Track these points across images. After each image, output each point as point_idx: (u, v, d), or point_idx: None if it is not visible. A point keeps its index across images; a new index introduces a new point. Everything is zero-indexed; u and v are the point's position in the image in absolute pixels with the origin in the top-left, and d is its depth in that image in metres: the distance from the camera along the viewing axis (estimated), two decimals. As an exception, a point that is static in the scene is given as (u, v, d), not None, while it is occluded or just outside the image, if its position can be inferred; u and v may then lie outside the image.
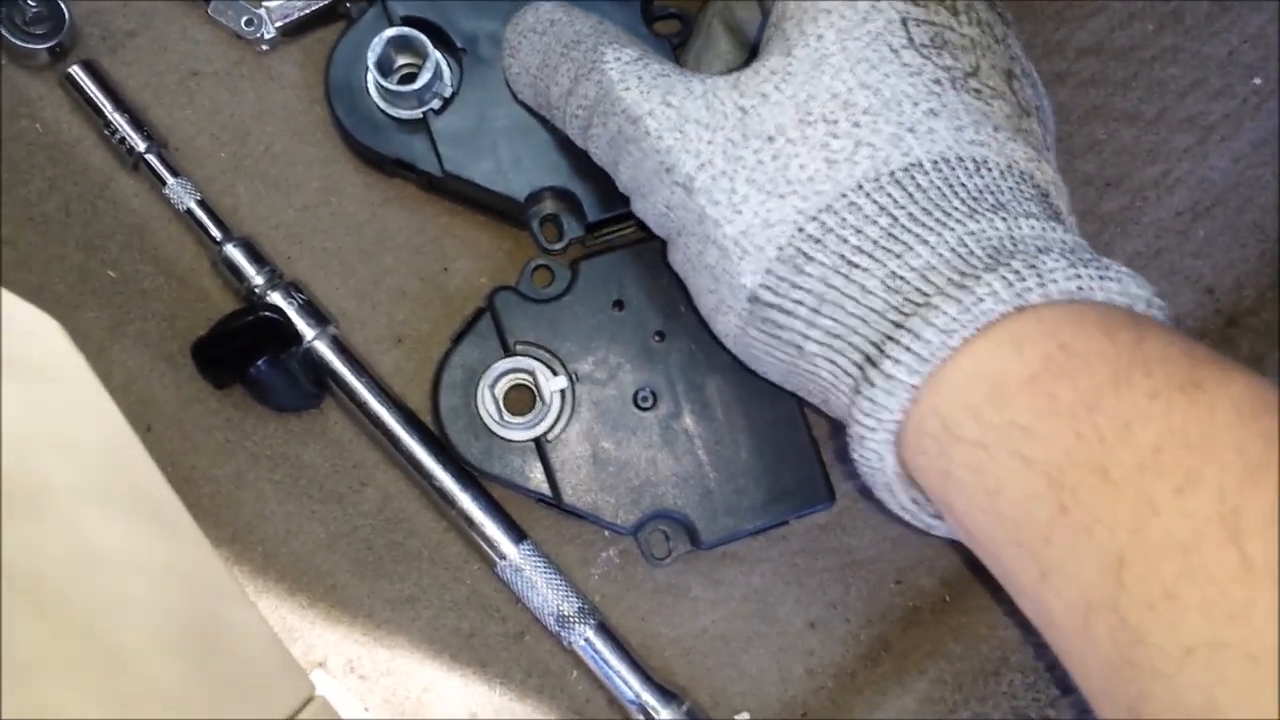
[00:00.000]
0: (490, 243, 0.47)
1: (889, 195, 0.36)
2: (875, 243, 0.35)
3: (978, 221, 0.35)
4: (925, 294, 0.34)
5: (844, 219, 0.36)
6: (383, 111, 0.44)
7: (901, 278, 0.35)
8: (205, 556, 0.28)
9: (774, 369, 0.39)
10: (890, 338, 0.35)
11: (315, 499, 0.44)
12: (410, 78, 0.44)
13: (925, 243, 0.35)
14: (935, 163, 0.36)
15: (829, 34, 0.38)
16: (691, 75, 0.40)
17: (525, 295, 0.44)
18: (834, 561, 0.46)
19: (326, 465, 0.45)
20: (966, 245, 0.35)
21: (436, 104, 0.44)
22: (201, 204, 0.44)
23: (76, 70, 0.44)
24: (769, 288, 0.37)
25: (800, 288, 0.36)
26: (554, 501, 0.43)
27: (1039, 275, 0.33)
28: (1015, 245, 0.35)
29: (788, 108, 0.37)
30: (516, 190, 0.44)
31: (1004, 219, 0.35)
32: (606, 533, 0.45)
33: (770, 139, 0.37)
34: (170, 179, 0.44)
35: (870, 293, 0.35)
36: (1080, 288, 0.34)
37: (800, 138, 0.37)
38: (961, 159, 0.36)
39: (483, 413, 0.43)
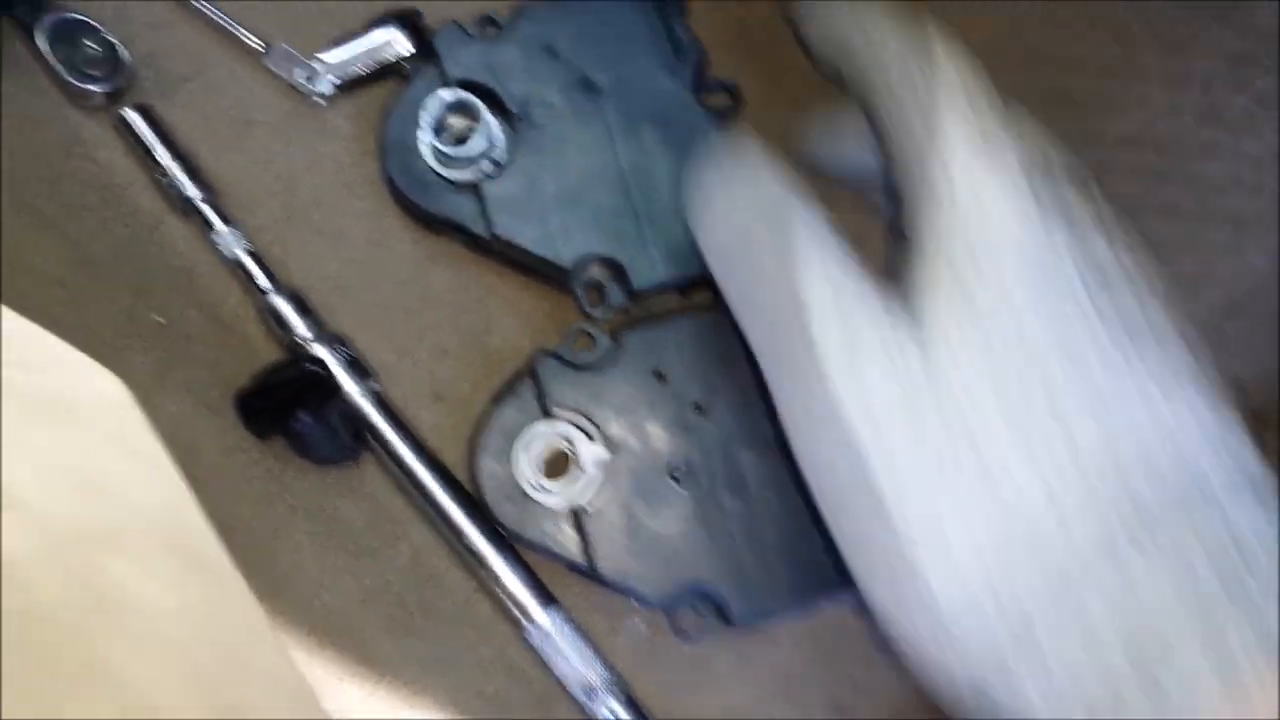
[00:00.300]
0: (533, 304, 0.47)
1: (1116, 515, 0.34)
2: (1087, 553, 0.33)
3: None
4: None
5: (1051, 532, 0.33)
6: (435, 173, 0.45)
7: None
8: (250, 606, 0.29)
9: None
10: None
11: (350, 553, 0.44)
12: (463, 140, 0.45)
13: (1143, 553, 0.33)
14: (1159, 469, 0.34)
15: (1016, 289, 0.35)
16: (881, 302, 0.36)
17: (566, 360, 0.44)
18: (862, 644, 0.46)
19: (362, 520, 0.45)
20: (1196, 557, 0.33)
21: (488, 167, 0.44)
22: (250, 253, 0.45)
23: (130, 113, 0.45)
24: (957, 606, 0.34)
25: (1000, 608, 0.34)
26: (588, 571, 0.43)
27: None
28: None
29: (984, 386, 0.35)
30: (563, 257, 0.44)
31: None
32: (634, 602, 0.45)
33: (970, 437, 0.34)
34: (220, 226, 0.45)
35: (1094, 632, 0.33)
36: None
37: (1005, 436, 0.34)
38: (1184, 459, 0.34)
39: (519, 476, 0.43)
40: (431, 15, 0.47)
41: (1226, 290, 0.50)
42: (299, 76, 0.46)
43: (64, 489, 0.26)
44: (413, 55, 0.45)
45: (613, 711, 0.43)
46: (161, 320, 0.45)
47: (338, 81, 0.46)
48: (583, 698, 0.43)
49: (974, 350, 0.35)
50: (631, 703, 0.44)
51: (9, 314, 0.30)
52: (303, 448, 0.44)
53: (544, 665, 0.44)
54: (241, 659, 0.27)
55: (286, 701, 0.28)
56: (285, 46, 0.46)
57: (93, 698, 0.23)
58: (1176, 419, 0.35)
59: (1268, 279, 0.50)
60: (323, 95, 0.46)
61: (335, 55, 0.46)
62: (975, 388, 0.34)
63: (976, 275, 0.35)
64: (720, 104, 0.47)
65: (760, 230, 0.38)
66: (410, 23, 0.45)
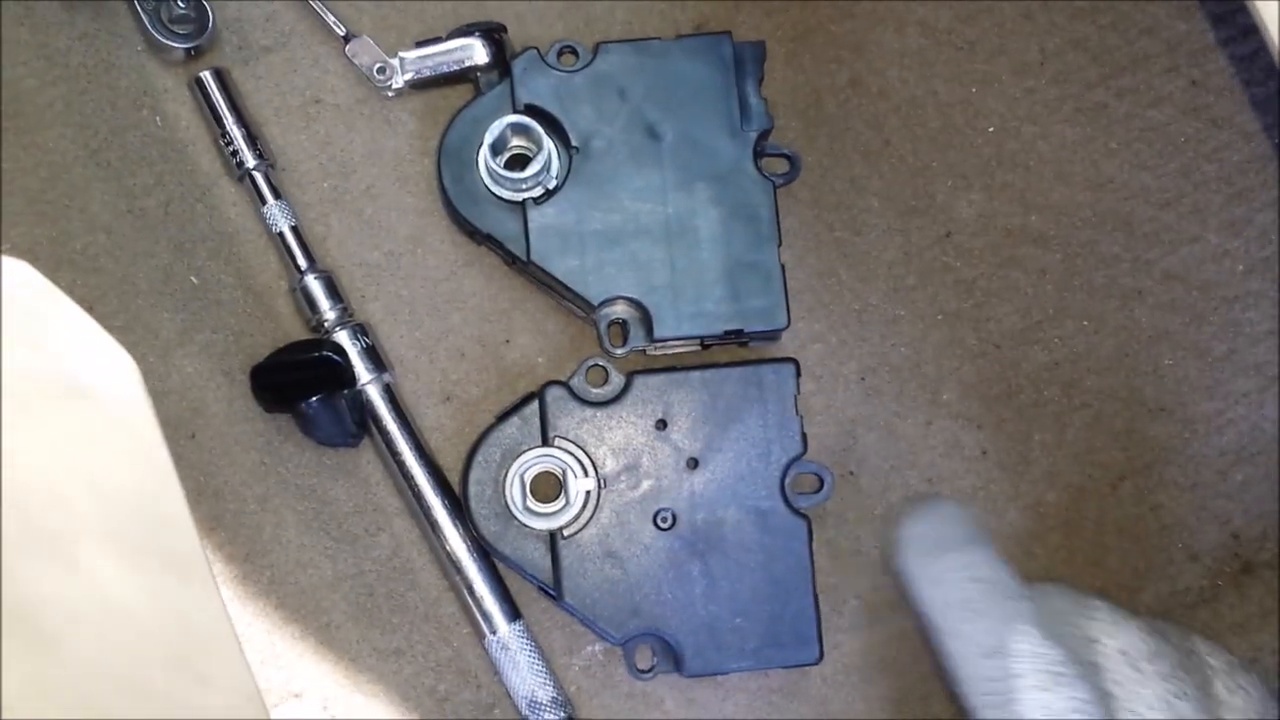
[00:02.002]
0: (555, 327, 0.48)
1: None
2: None
3: None
4: None
5: None
6: (486, 188, 0.45)
7: None
8: (216, 616, 0.30)
9: None
10: None
11: (332, 536, 0.46)
12: (519, 160, 0.46)
13: None
14: None
15: None
16: None
17: (575, 394, 0.45)
18: (808, 711, 0.47)
19: (350, 504, 0.46)
20: None
21: (538, 193, 0.45)
22: (295, 230, 0.46)
23: (207, 76, 0.46)
24: None
25: None
26: (554, 595, 0.44)
27: None
28: None
29: None
30: (593, 294, 0.45)
31: None
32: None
33: None
34: (271, 199, 0.46)
35: None
36: None
37: None
38: None
39: (508, 495, 0.45)
40: (516, 33, 0.47)
41: (1239, 438, 0.50)
42: (374, 69, 0.46)
43: (55, 476, 0.28)
44: (488, 67, 0.46)
45: (553, 730, 0.45)
46: (196, 281, 0.46)
47: (411, 78, 0.46)
48: (526, 711, 0.45)
49: None
50: (572, 724, 0.45)
51: (34, 291, 0.31)
52: (307, 428, 0.45)
53: (496, 674, 0.45)
54: (198, 664, 0.29)
55: (238, 707, 0.29)
56: (368, 38, 0.46)
57: (43, 694, 0.24)
58: None
59: (1283, 436, 0.50)
60: (393, 89, 0.47)
61: (414, 54, 0.46)
62: None
63: None
64: (779, 170, 0.47)
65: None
66: (492, 37, 0.46)
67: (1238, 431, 0.50)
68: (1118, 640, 0.38)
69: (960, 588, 0.39)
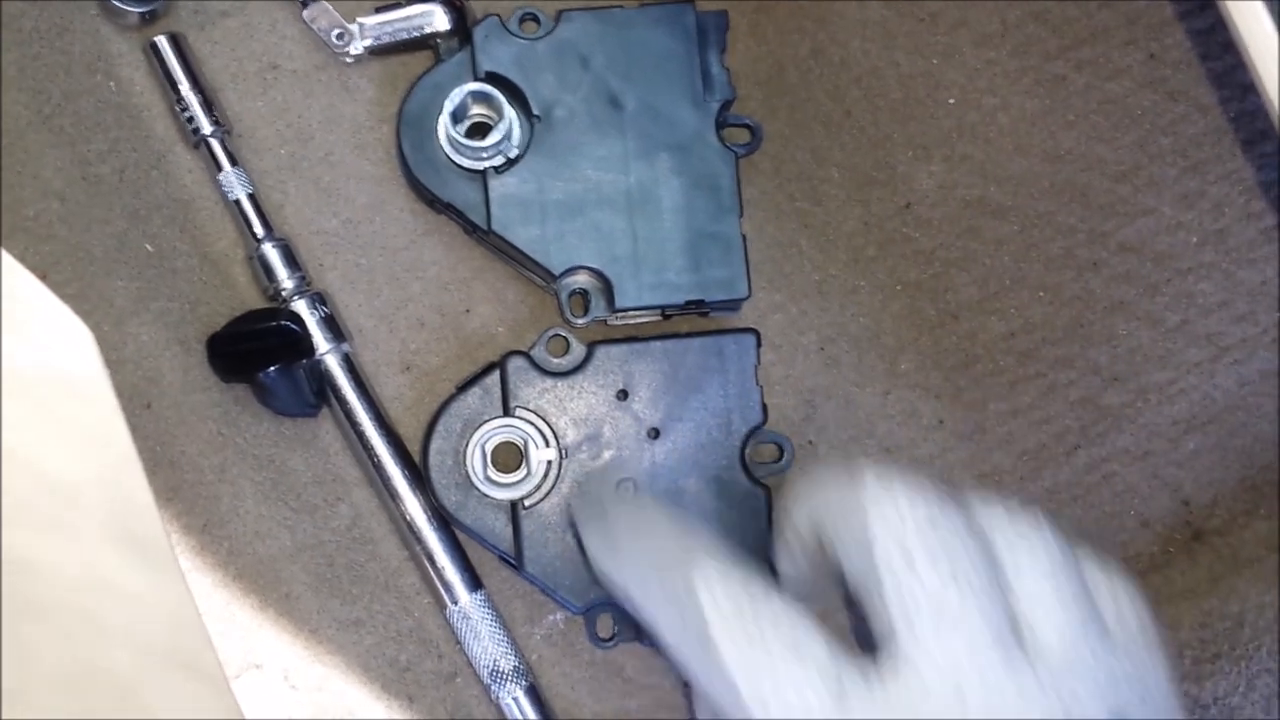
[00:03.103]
0: (515, 297, 0.48)
1: None
2: None
3: None
4: None
5: None
6: (446, 156, 0.45)
7: None
8: (181, 596, 0.30)
9: None
10: None
11: (290, 506, 0.46)
12: (480, 129, 0.45)
13: None
14: None
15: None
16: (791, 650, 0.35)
17: (536, 364, 0.45)
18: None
19: (309, 474, 0.46)
20: None
21: (499, 161, 0.45)
22: (251, 198, 0.45)
23: (162, 41, 0.45)
24: None
25: None
26: (515, 564, 0.45)
27: None
28: None
29: None
30: (554, 263, 0.45)
31: None
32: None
33: None
34: (227, 166, 0.45)
35: None
36: None
37: None
38: None
39: (469, 465, 0.45)
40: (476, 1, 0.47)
41: (1191, 407, 0.51)
42: (333, 34, 0.46)
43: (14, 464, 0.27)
44: (448, 34, 0.46)
45: (515, 698, 0.45)
46: (151, 249, 0.45)
47: (370, 45, 0.46)
48: (488, 680, 0.45)
49: None
50: (534, 691, 0.45)
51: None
52: (265, 398, 0.44)
53: (457, 643, 0.46)
54: (165, 657, 0.28)
55: (205, 700, 0.29)
56: (326, 3, 0.46)
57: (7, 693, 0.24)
58: None
59: (1233, 404, 0.51)
60: (352, 56, 0.46)
61: (374, 20, 0.46)
62: None
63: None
64: (740, 140, 0.47)
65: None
66: (453, 3, 0.46)
67: (1189, 401, 0.51)
68: (893, 526, 0.35)
69: (638, 557, 0.38)
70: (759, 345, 0.46)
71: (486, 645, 0.45)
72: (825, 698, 0.34)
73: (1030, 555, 0.36)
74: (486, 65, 0.45)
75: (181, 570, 0.30)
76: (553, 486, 0.45)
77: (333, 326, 0.45)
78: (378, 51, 0.46)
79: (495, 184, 0.45)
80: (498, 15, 0.46)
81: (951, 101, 0.50)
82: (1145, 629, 0.38)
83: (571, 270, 0.45)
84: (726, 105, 0.46)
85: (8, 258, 0.31)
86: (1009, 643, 0.35)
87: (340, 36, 0.46)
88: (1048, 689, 0.35)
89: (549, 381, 0.45)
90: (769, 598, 0.35)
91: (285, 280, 0.45)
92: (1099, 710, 0.35)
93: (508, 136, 0.45)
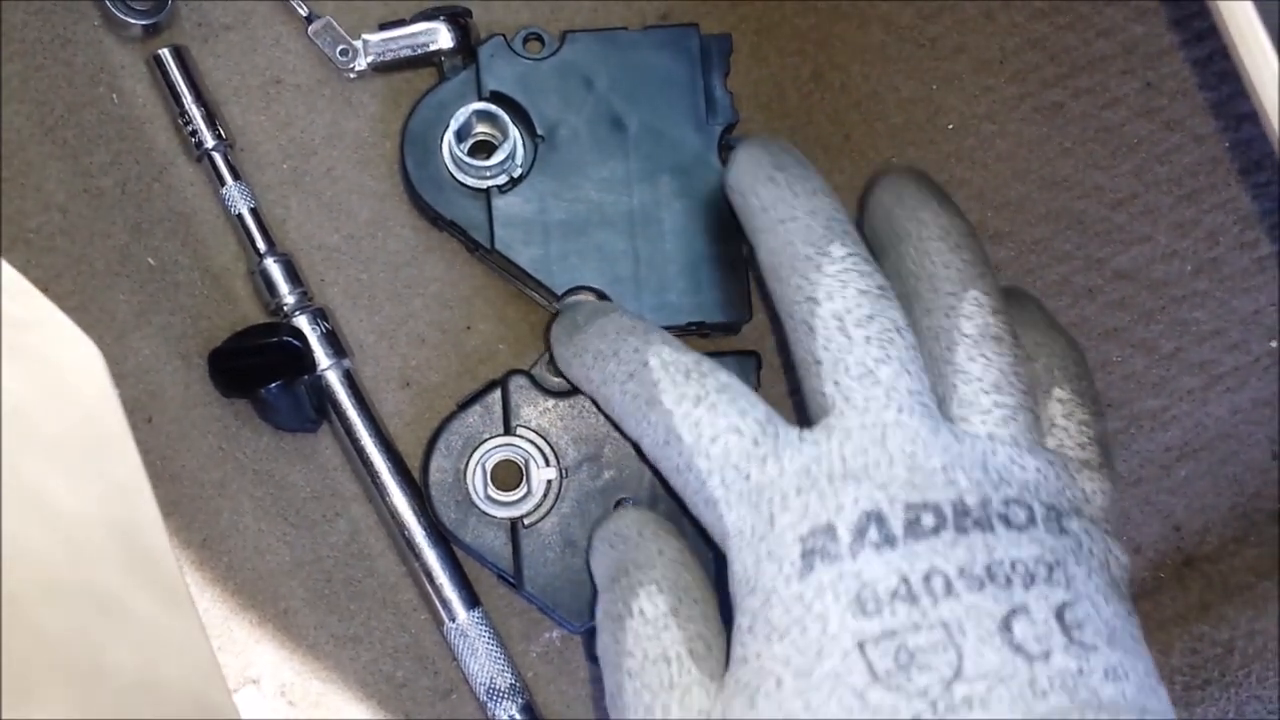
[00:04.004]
0: (517, 314, 0.48)
1: None
2: None
3: None
4: None
5: None
6: (450, 174, 0.45)
7: None
8: (189, 621, 0.30)
9: None
10: None
11: (289, 521, 0.46)
12: (483, 147, 0.45)
13: None
14: None
15: (787, 679, 0.34)
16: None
17: (538, 383, 0.45)
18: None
19: (308, 490, 0.46)
20: None
21: (502, 180, 0.45)
22: (254, 212, 0.45)
23: (165, 54, 0.45)
24: None
25: None
26: (514, 583, 0.45)
27: None
28: None
29: None
30: (557, 283, 0.45)
31: None
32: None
33: None
34: (230, 181, 0.45)
35: None
36: None
37: None
38: None
39: (469, 484, 0.45)
40: (480, 18, 0.47)
41: (1184, 434, 0.51)
42: (337, 51, 0.46)
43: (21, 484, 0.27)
44: (452, 52, 0.46)
45: (511, 716, 0.45)
46: (153, 262, 0.45)
47: (374, 61, 0.46)
48: (484, 698, 0.45)
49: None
50: (530, 709, 0.45)
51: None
52: (265, 413, 0.44)
53: (454, 660, 0.45)
54: (163, 675, 0.28)
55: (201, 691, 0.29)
56: (331, 20, 0.46)
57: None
58: None
59: (1225, 432, 0.51)
60: (356, 72, 0.46)
61: (378, 37, 0.46)
62: None
63: (758, 671, 0.35)
64: (740, 161, 0.48)
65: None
66: (458, 21, 0.46)
67: (1182, 428, 0.51)
68: (835, 302, 0.38)
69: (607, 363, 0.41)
70: (759, 367, 0.46)
71: (483, 662, 0.45)
72: (763, 444, 0.37)
73: (984, 362, 0.39)
74: (491, 84, 0.45)
75: (190, 594, 0.30)
76: (553, 506, 0.45)
77: (334, 342, 0.45)
78: (381, 68, 0.47)
79: (498, 203, 0.45)
80: (503, 35, 0.46)
81: (950, 127, 0.50)
82: (1099, 460, 0.41)
83: (573, 290, 0.45)
84: (729, 128, 0.46)
85: (16, 275, 0.31)
86: (936, 411, 0.38)
87: (344, 53, 0.46)
88: (971, 457, 0.37)
89: (550, 401, 0.45)
90: (716, 370, 0.40)
91: (287, 296, 0.45)
92: (1022, 493, 0.37)
93: (511, 156, 0.45)
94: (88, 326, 0.35)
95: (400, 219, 0.47)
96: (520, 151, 0.45)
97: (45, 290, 0.35)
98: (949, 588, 0.34)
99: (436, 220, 0.46)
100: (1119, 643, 0.35)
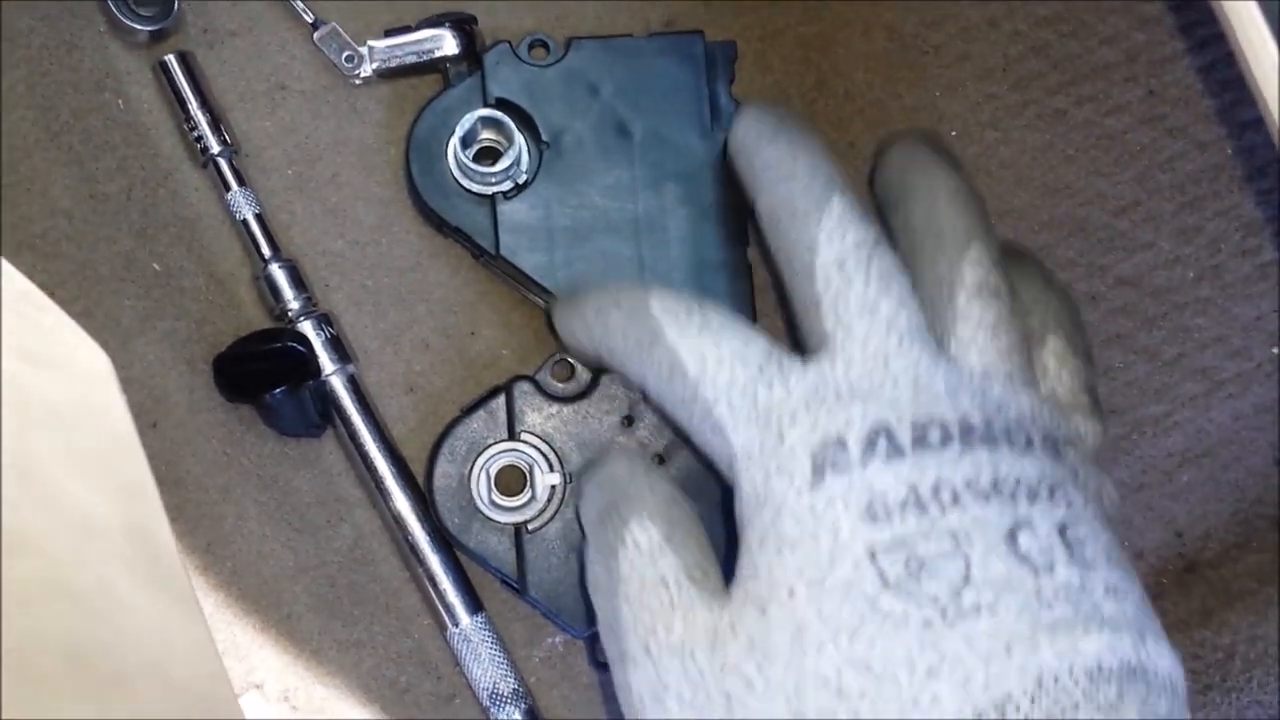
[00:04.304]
0: (521, 320, 0.48)
1: None
2: None
3: None
4: None
5: None
6: (455, 180, 0.45)
7: None
8: (197, 627, 0.30)
9: None
10: None
11: (293, 526, 0.46)
12: (489, 153, 0.45)
13: None
14: None
15: (796, 585, 0.34)
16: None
17: (542, 389, 0.45)
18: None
19: (311, 495, 0.46)
20: None
21: (508, 187, 0.45)
22: (258, 218, 0.45)
23: (171, 60, 0.45)
24: None
25: None
26: (518, 588, 0.45)
27: None
28: None
29: (775, 698, 0.34)
30: (561, 289, 0.45)
31: None
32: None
33: None
34: (235, 186, 0.45)
35: None
36: None
37: None
38: (985, 715, 0.32)
39: (473, 489, 0.45)
40: (486, 24, 0.47)
41: (1186, 440, 0.51)
42: (342, 57, 0.46)
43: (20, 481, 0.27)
44: (457, 58, 0.46)
45: (514, 721, 0.45)
46: (158, 268, 0.46)
47: (379, 68, 0.46)
48: (487, 703, 0.45)
49: (770, 670, 0.34)
50: (532, 714, 0.45)
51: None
52: (270, 418, 0.45)
53: (457, 665, 0.46)
54: (171, 674, 0.28)
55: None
56: (336, 26, 0.46)
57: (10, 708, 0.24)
58: (997, 684, 0.33)
59: (1227, 438, 0.51)
60: (361, 78, 0.47)
61: (383, 44, 0.46)
62: (773, 713, 0.34)
63: (769, 582, 0.36)
64: (744, 167, 0.48)
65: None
66: (463, 28, 0.46)
67: (1184, 434, 0.51)
68: (834, 247, 0.39)
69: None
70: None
71: (486, 667, 0.45)
72: (767, 369, 0.38)
73: (982, 304, 0.39)
74: (496, 91, 0.45)
75: (198, 601, 0.30)
76: (557, 511, 0.45)
77: (338, 348, 0.45)
78: (386, 74, 0.47)
79: (504, 209, 0.45)
80: (508, 42, 0.46)
81: (953, 134, 0.51)
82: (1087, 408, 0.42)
83: (577, 296, 0.45)
84: (734, 135, 0.47)
85: (24, 280, 0.31)
86: (933, 345, 0.38)
87: (350, 59, 0.46)
88: (972, 384, 0.38)
89: (555, 406, 0.45)
90: (717, 307, 0.40)
91: (291, 301, 0.45)
92: (1021, 420, 0.37)
93: (517, 162, 0.45)
94: (93, 332, 0.35)
95: (405, 225, 0.47)
96: (525, 158, 0.45)
97: (50, 296, 0.36)
98: (956, 498, 0.35)
99: (441, 226, 0.46)
100: (1117, 565, 0.36)
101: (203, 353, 0.45)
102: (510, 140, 0.45)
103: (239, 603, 0.45)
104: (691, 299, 0.40)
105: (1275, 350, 0.52)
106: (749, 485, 0.37)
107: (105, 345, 0.41)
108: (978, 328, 0.39)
